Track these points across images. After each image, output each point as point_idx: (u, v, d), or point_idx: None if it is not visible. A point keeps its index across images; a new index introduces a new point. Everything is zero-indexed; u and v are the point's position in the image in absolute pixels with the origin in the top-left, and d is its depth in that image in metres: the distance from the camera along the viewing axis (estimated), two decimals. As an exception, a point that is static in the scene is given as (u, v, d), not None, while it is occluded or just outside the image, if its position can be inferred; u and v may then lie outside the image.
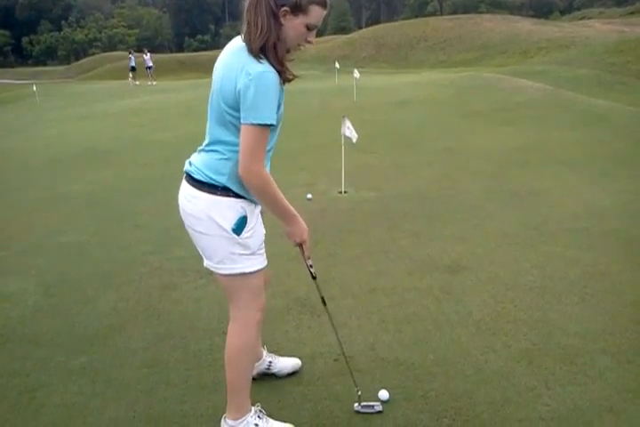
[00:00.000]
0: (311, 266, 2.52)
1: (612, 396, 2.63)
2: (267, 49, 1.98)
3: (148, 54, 30.53)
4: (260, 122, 1.96)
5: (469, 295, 3.69)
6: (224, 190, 2.14)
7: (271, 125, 2.01)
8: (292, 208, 2.25)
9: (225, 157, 2.14)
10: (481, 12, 47.14)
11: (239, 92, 1.97)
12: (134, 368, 3.05)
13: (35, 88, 22.42)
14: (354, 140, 6.03)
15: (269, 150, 2.17)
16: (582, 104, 10.95)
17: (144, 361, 3.12)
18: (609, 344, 3.06)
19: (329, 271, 4.18)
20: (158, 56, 41.08)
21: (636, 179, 6.25)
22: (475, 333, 3.24)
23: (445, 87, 14.63)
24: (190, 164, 2.25)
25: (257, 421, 2.40)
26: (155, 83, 28.24)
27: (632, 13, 47.62)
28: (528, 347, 3.07)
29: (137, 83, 27.72)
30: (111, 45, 74.42)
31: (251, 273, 2.23)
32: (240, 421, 2.37)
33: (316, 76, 25.14)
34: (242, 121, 1.99)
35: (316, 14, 2.02)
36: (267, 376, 2.85)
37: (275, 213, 2.23)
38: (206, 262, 2.29)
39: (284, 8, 1.96)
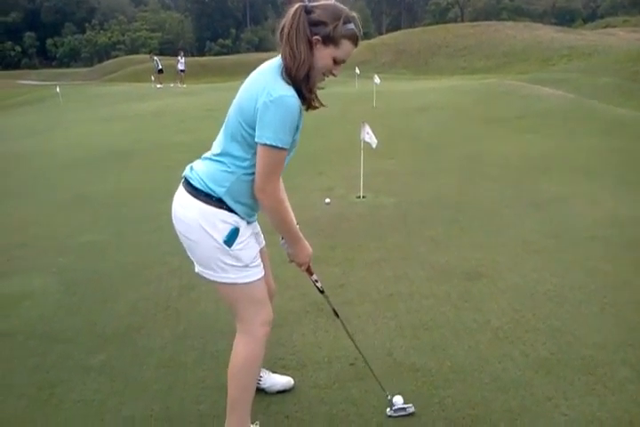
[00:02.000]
0: (316, 281, 2.54)
1: (632, 409, 2.60)
2: (300, 76, 2.03)
3: (183, 58, 30.62)
4: (274, 144, 1.99)
5: (488, 303, 3.67)
6: (218, 202, 2.14)
7: (285, 149, 2.04)
8: (298, 232, 2.30)
9: (229, 170, 2.14)
10: (503, 19, 46.94)
11: (257, 109, 2.00)
12: (152, 368, 3.08)
13: (58, 89, 22.68)
14: (373, 146, 6.03)
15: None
16: (604, 112, 10.85)
17: (162, 361, 3.14)
18: (629, 356, 3.03)
19: (347, 276, 4.18)
20: (176, 59, 41.44)
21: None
22: (493, 340, 3.23)
23: (466, 94, 14.58)
24: (191, 169, 2.25)
25: None
26: (184, 86, 28.26)
27: (656, 21, 47.11)
28: (546, 356, 3.05)
29: (160, 86, 27.84)
30: (134, 48, 75.15)
31: (244, 284, 2.21)
32: None
33: (336, 80, 25.11)
34: (256, 140, 2.02)
35: (346, 49, 2.07)
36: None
37: (282, 234, 2.28)
38: (197, 268, 2.29)
39: (317, 37, 2.01)
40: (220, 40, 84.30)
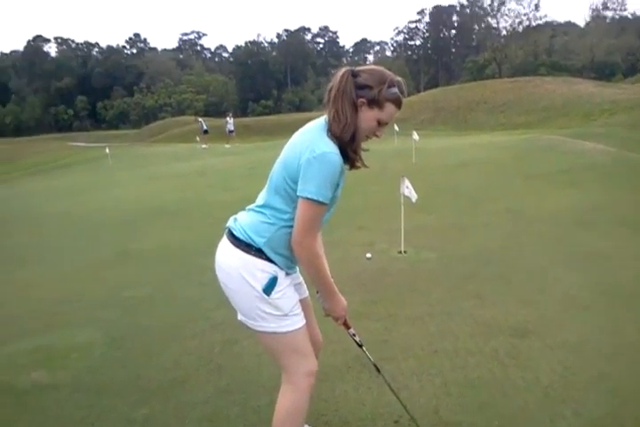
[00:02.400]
0: (354, 335, 2.56)
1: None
2: (346, 138, 2.13)
3: (232, 119, 31.34)
4: (316, 198, 2.07)
5: (536, 361, 3.56)
6: (258, 252, 2.21)
7: (325, 204, 2.11)
8: (334, 285, 2.34)
9: (270, 221, 2.22)
10: (541, 75, 47.31)
11: (301, 165, 2.09)
12: (194, 421, 3.07)
13: (107, 150, 23.66)
14: (413, 200, 6.07)
15: (322, 223, 2.26)
16: (649, 166, 10.70)
17: (204, 415, 3.13)
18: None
19: (389, 331, 4.14)
20: (224, 120, 42.97)
21: None
22: (543, 399, 3.12)
23: (506, 149, 14.61)
24: (235, 220, 2.34)
25: None
26: (228, 146, 28.43)
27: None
28: (600, 415, 2.92)
29: (205, 146, 28.66)
30: (180, 110, 78.37)
31: (285, 333, 2.24)
32: None
33: (375, 139, 25.61)
34: (298, 193, 2.10)
35: (389, 111, 2.17)
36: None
37: (317, 287, 2.33)
38: (240, 316, 2.35)
39: (362, 99, 2.13)
40: (263, 101, 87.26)
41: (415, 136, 13.21)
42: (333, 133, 2.12)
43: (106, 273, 6.25)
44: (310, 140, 2.13)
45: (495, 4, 62.76)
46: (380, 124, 2.19)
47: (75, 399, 3.39)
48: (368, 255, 5.99)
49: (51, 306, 5.20)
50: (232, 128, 30.67)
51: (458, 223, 7.61)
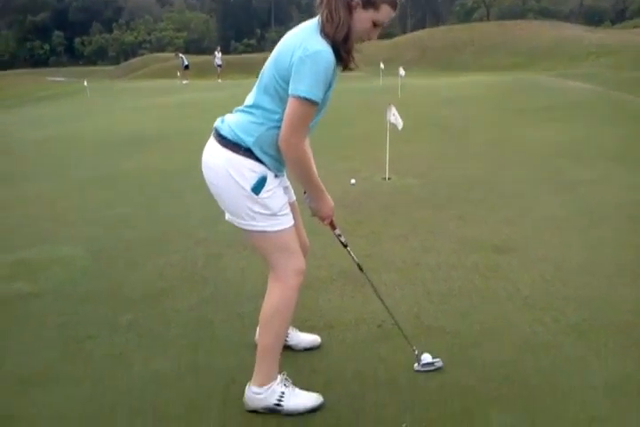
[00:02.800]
0: (340, 235, 2.53)
1: (670, 370, 2.54)
2: (339, 39, 2.03)
3: (220, 53, 31.13)
4: (307, 96, 1.99)
5: (517, 273, 3.62)
6: (247, 151, 2.15)
7: (316, 103, 2.04)
8: (321, 184, 2.30)
9: (259, 121, 2.15)
10: (529, 20, 46.38)
11: (293, 63, 2.01)
12: (179, 326, 3.09)
13: (86, 83, 22.98)
14: (399, 127, 6.00)
15: (311, 126, 2.19)
16: (632, 103, 10.69)
17: (189, 320, 3.15)
18: (665, 322, 2.96)
19: (372, 247, 4.15)
20: (205, 57, 41.75)
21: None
22: (522, 307, 3.18)
23: (491, 87, 14.46)
24: (222, 121, 2.27)
25: (283, 389, 2.33)
26: (220, 80, 28.51)
27: (686, 24, 46.24)
28: (578, 322, 2.99)
29: (186, 81, 28.04)
30: (159, 47, 75.71)
31: (274, 232, 2.22)
32: (266, 388, 2.30)
33: (361, 76, 25.09)
34: (290, 92, 2.03)
35: (385, 13, 2.08)
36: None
37: (304, 186, 2.29)
38: (228, 216, 2.31)
39: (357, 0, 2.01)
40: (245, 40, 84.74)
41: (401, 72, 13.00)
42: (326, 34, 2.03)
43: (88, 193, 6.15)
44: (303, 38, 2.04)
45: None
46: (376, 25, 2.10)
47: (57, 307, 3.38)
48: (352, 181, 5.96)
49: (34, 224, 5.13)
50: (220, 62, 30.13)
51: (442, 153, 7.58)
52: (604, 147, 7.51)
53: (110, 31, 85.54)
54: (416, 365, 2.57)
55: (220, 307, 3.30)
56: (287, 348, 2.74)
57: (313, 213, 2.40)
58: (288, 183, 2.45)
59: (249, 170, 2.15)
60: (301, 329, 2.90)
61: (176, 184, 6.18)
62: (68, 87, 29.02)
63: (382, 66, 18.07)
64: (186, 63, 30.23)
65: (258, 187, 2.15)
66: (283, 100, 2.09)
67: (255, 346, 2.39)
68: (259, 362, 2.34)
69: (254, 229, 2.21)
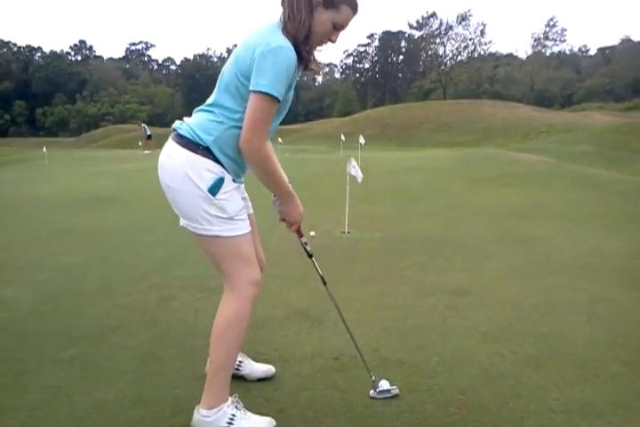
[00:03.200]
0: (306, 244, 2.50)
1: (626, 395, 2.52)
2: (301, 37, 2.07)
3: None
4: (268, 91, 1.98)
5: (474, 313, 3.61)
6: (205, 151, 2.11)
7: (278, 100, 2.03)
8: (289, 187, 2.26)
9: (219, 119, 2.13)
10: (482, 100, 48.82)
11: (254, 59, 2.01)
12: (127, 360, 2.94)
13: (45, 149, 22.87)
14: (359, 180, 6.10)
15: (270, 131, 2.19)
16: (583, 173, 11.17)
17: (137, 355, 3.00)
18: (619, 354, 2.97)
19: (331, 291, 4.08)
20: (168, 129, 42.30)
21: (637, 232, 6.26)
22: (480, 342, 3.15)
23: (449, 159, 14.96)
24: (182, 122, 2.24)
25: (234, 411, 2.21)
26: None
27: (629, 109, 49.32)
28: (535, 354, 2.97)
29: (148, 151, 28.13)
30: (123, 120, 76.01)
31: (229, 238, 2.16)
32: (216, 410, 2.17)
33: (322, 150, 25.82)
34: (251, 87, 2.02)
35: (345, 14, 2.12)
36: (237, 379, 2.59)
37: (270, 189, 2.24)
38: (182, 221, 2.23)
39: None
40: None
41: (361, 140, 13.38)
42: (288, 32, 2.05)
43: (41, 243, 5.96)
44: (265, 35, 2.05)
45: (442, 28, 64.75)
46: (336, 27, 2.13)
47: (-3, 343, 3.19)
48: (312, 233, 5.96)
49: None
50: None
51: (401, 212, 7.70)
52: (556, 209, 7.77)
53: (73, 103, 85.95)
54: (372, 391, 2.50)
55: (171, 343, 3.17)
56: (240, 377, 2.64)
57: (281, 217, 2.35)
58: (246, 194, 2.42)
59: (207, 170, 2.10)
60: (255, 362, 2.80)
61: (131, 238, 6.07)
62: (26, 154, 28.84)
63: (343, 138, 18.64)
64: (148, 133, 30.42)
65: (215, 188, 2.10)
66: (243, 98, 2.07)
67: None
68: (209, 381, 2.22)
69: (209, 233, 2.14)
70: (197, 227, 2.16)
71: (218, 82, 2.20)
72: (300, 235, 2.44)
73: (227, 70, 2.16)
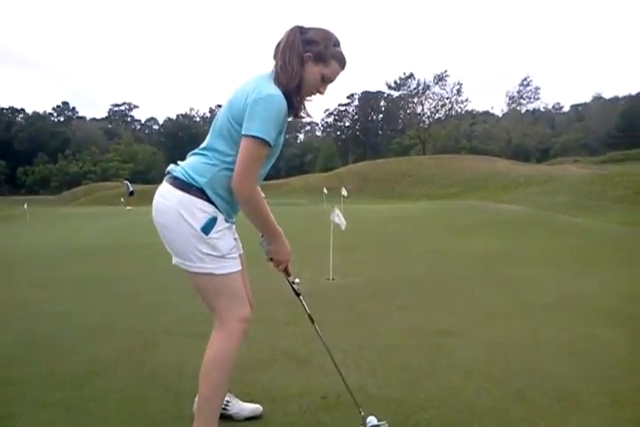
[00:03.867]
0: (294, 282, 2.56)
1: (611, 425, 2.54)
2: (292, 87, 2.22)
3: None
4: (259, 135, 2.10)
5: (460, 351, 3.65)
6: (199, 191, 2.20)
7: (269, 145, 2.14)
8: (277, 226, 2.34)
9: (211, 162, 2.23)
10: (461, 155, 49.97)
11: (247, 105, 2.13)
12: (112, 402, 2.91)
13: (25, 206, 22.73)
14: (342, 228, 6.19)
15: (260, 175, 2.29)
16: (561, 221, 11.38)
17: (123, 397, 2.98)
18: (603, 388, 3.00)
19: (316, 335, 4.10)
20: (151, 186, 42.37)
21: (614, 273, 6.37)
22: (465, 378, 3.18)
23: (430, 210, 15.21)
24: (177, 164, 2.34)
25: None
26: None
27: (604, 162, 50.61)
28: (521, 388, 3.00)
29: (130, 208, 28.18)
30: (105, 178, 75.38)
31: (221, 276, 2.22)
32: None
33: (304, 204, 26.07)
34: (243, 132, 2.13)
35: (334, 68, 2.29)
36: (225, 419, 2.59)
37: (260, 229, 2.32)
38: (174, 259, 2.29)
39: (309, 54, 2.23)
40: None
41: (344, 192, 13.58)
42: (280, 82, 2.19)
43: (22, 294, 5.90)
44: (257, 83, 2.19)
45: (420, 88, 66.76)
46: (324, 80, 2.29)
47: (-21, 389, 3.14)
48: (296, 280, 5.94)
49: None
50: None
51: (385, 259, 7.78)
52: (536, 253, 7.91)
53: (55, 162, 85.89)
54: None
55: (157, 385, 3.15)
56: (227, 417, 2.63)
57: (268, 257, 2.40)
58: (237, 235, 2.49)
59: (199, 210, 2.18)
60: (243, 399, 2.79)
61: (114, 288, 6.04)
62: (6, 211, 28.68)
63: (325, 191, 18.91)
64: (131, 189, 30.60)
65: (207, 227, 2.17)
66: (236, 142, 2.17)
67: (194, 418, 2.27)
68: (197, 417, 2.24)
69: (201, 271, 2.20)
70: (190, 265, 2.22)
71: (212, 127, 2.32)
72: (288, 274, 2.49)
73: (220, 115, 2.28)
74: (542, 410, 2.72)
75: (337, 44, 2.29)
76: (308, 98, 2.34)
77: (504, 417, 2.64)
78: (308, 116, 2.39)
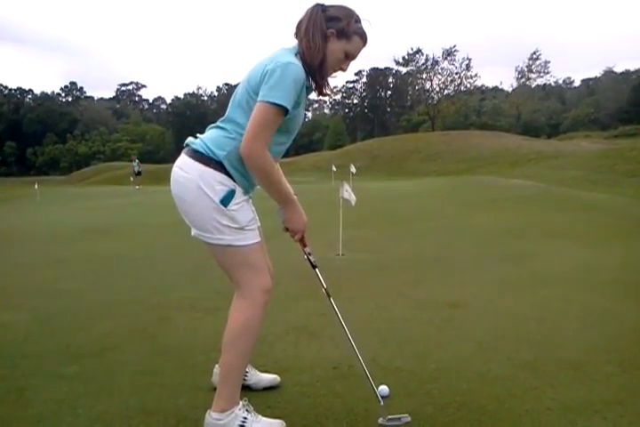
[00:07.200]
0: (310, 254, 2.55)
1: (621, 393, 2.58)
2: (316, 64, 2.23)
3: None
4: (276, 101, 2.07)
5: (470, 324, 3.67)
6: (218, 164, 2.20)
7: (286, 111, 2.11)
8: (291, 194, 2.34)
9: (231, 135, 2.23)
10: (470, 131, 49.62)
11: (265, 73, 2.12)
12: (128, 374, 2.96)
13: (36, 186, 22.91)
14: (352, 203, 6.19)
15: (277, 153, 2.30)
16: (572, 196, 11.33)
17: (138, 370, 3.03)
18: (613, 357, 3.03)
19: (327, 307, 4.10)
20: (160, 166, 42.42)
21: (626, 247, 6.36)
22: (476, 350, 3.20)
23: (440, 186, 15.18)
24: (196, 137, 2.35)
25: (245, 414, 2.27)
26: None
27: (616, 136, 50.10)
28: (530, 359, 3.03)
29: (138, 187, 28.33)
30: (114, 158, 75.68)
31: (241, 247, 2.24)
32: (228, 413, 2.23)
33: (313, 181, 26.03)
34: (258, 99, 2.11)
35: (356, 44, 2.29)
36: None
37: (273, 196, 2.31)
38: (194, 231, 2.31)
39: (331, 30, 2.23)
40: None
41: (352, 169, 13.53)
42: (303, 58, 2.20)
43: (36, 272, 5.97)
44: (275, 54, 2.20)
45: (428, 63, 65.84)
46: (347, 56, 2.29)
47: (-3, 363, 3.21)
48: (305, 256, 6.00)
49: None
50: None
51: (394, 235, 7.80)
52: (545, 228, 7.88)
53: (64, 142, 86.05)
54: (381, 419, 2.35)
55: (171, 358, 3.20)
56: (245, 387, 2.67)
57: (285, 226, 2.40)
58: (253, 208, 2.49)
59: (219, 183, 2.19)
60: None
61: (127, 265, 6.11)
62: (16, 191, 28.88)
63: (334, 168, 18.85)
64: (138, 169, 30.76)
65: (226, 199, 2.19)
66: None
67: (211, 389, 2.31)
68: (220, 385, 2.27)
69: (221, 242, 2.22)
70: (209, 236, 2.23)
71: (232, 99, 2.31)
72: (304, 244, 2.49)
73: (240, 88, 2.28)
74: (552, 379, 2.74)
75: (358, 20, 2.28)
76: (331, 75, 2.34)
77: (513, 386, 2.67)
78: (333, 92, 2.39)
